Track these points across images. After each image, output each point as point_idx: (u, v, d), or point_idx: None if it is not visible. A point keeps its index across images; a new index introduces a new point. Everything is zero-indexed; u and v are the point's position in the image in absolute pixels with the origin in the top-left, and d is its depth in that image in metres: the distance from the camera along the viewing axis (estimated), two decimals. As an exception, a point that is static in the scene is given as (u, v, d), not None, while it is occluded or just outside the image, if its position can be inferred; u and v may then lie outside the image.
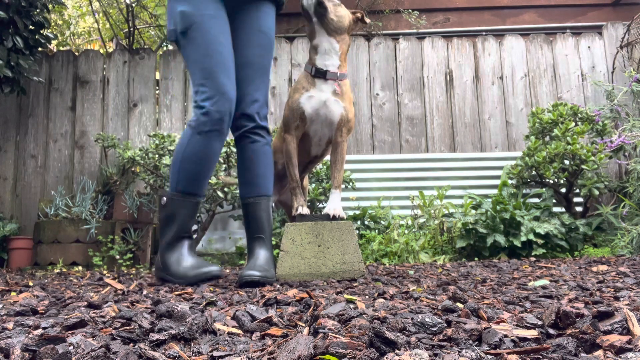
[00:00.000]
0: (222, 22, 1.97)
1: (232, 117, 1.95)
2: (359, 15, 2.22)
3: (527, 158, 3.81)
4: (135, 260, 3.81)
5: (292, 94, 2.15)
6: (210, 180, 3.61)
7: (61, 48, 6.05)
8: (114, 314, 1.07)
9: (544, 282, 1.65)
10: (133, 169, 3.98)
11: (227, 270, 2.81)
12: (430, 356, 0.67)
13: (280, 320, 0.95)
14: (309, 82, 2.13)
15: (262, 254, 1.94)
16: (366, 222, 3.84)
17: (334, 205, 2.10)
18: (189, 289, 1.63)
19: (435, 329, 0.83)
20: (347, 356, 0.69)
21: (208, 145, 1.89)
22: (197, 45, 1.91)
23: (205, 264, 1.88)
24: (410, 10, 4.90)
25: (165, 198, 1.92)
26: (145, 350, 0.71)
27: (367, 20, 2.18)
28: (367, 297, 1.36)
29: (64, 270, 3.46)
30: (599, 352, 0.70)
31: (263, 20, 2.10)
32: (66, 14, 6.30)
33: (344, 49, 2.15)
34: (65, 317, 1.04)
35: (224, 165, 3.80)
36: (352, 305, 1.14)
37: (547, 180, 3.86)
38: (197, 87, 1.91)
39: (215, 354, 0.73)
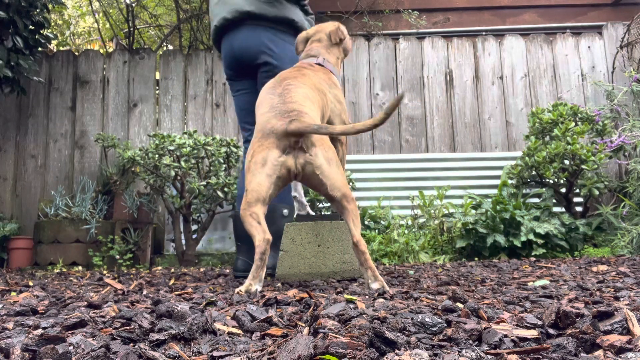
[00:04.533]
0: None
1: None
2: None
3: (527, 158, 3.81)
4: (135, 260, 3.81)
5: None
6: (210, 180, 3.61)
7: (61, 48, 6.05)
8: (114, 314, 1.07)
9: (544, 282, 1.65)
10: (133, 169, 3.98)
11: (227, 270, 2.81)
12: (430, 356, 0.67)
13: (280, 320, 0.95)
14: None
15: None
16: (366, 222, 3.84)
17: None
18: (189, 289, 1.63)
19: (435, 329, 0.83)
20: (347, 356, 0.69)
21: None
22: None
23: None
24: (410, 10, 4.90)
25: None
26: (145, 350, 0.71)
27: None
28: (367, 297, 1.36)
29: (64, 270, 3.46)
30: (599, 352, 0.70)
31: None
32: (66, 14, 6.30)
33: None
34: (65, 317, 1.04)
35: (224, 165, 3.80)
36: (352, 305, 1.14)
37: (547, 180, 3.86)
38: None
39: (215, 354, 0.73)
